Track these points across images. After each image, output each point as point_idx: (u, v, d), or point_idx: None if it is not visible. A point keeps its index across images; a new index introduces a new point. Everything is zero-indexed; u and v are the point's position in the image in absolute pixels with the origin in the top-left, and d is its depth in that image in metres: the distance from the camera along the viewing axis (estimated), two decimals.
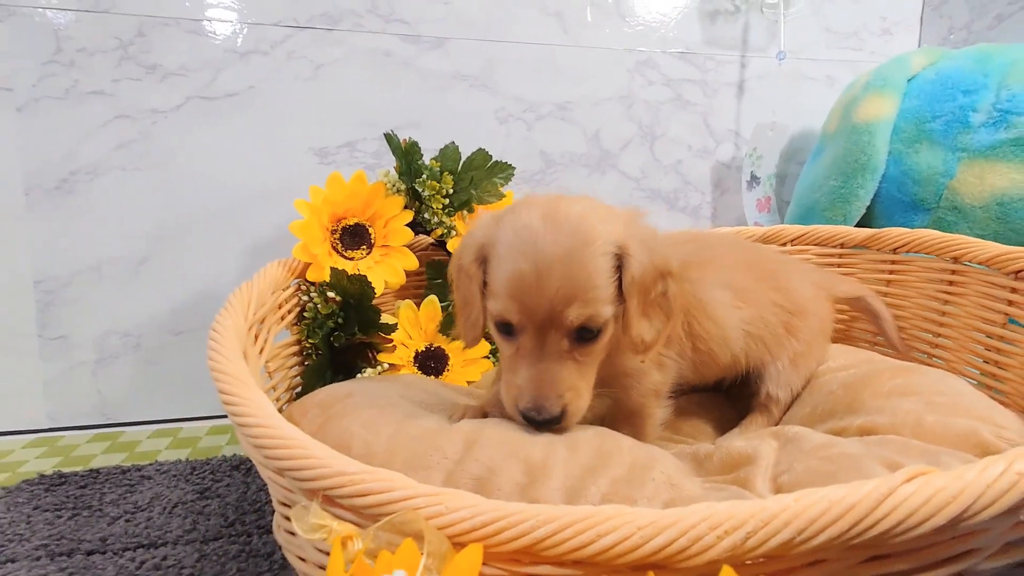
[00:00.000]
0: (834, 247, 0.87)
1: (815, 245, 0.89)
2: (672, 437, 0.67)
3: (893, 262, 0.80)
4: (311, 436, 0.47)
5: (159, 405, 0.92)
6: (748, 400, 0.70)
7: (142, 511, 0.63)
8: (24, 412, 0.87)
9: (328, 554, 0.36)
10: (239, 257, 0.93)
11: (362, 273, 0.78)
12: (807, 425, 0.62)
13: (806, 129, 1.09)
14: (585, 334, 0.47)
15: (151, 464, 0.74)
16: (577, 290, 0.45)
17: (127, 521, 0.61)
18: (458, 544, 0.34)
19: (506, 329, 0.48)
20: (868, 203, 0.91)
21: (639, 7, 1.02)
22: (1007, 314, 0.64)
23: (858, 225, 0.96)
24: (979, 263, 0.68)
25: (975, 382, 0.66)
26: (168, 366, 0.92)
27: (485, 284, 0.50)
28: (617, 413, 0.59)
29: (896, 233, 0.79)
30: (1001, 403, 0.60)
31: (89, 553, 0.55)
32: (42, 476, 0.70)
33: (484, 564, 0.37)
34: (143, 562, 0.53)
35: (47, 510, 0.63)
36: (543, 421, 0.46)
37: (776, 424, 0.67)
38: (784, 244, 0.91)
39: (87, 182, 0.87)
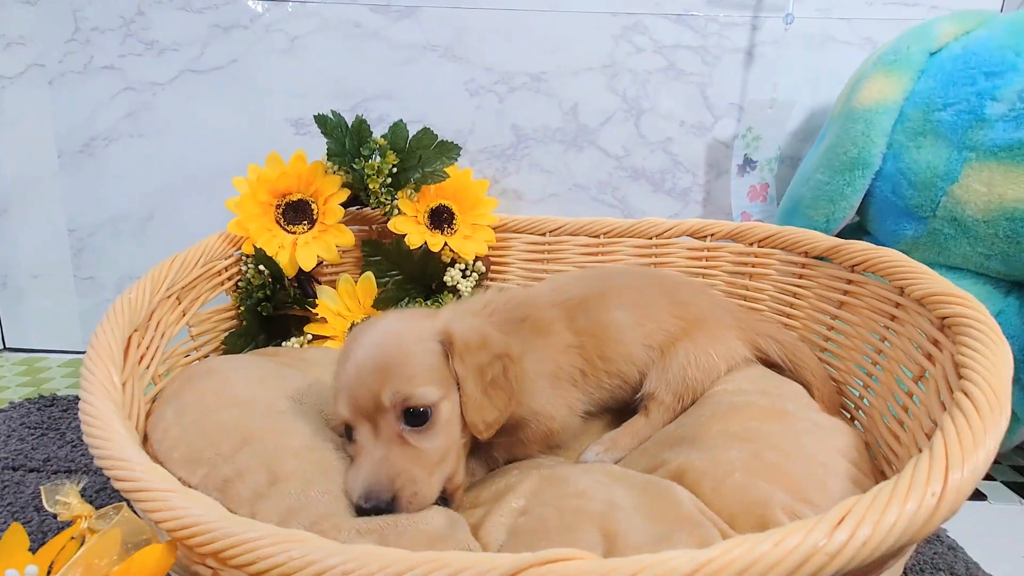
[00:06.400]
0: (799, 254, 0.77)
1: (781, 249, 0.79)
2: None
3: (849, 281, 0.69)
4: (161, 403, 0.55)
5: None
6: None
7: None
8: (65, 337, 1.07)
9: None
10: (227, 217, 1.02)
11: (299, 248, 0.83)
12: (657, 445, 0.59)
13: (830, 105, 0.94)
14: (415, 418, 0.47)
15: None
16: (392, 372, 0.47)
17: (73, 447, 0.74)
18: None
19: (348, 433, 0.49)
20: (856, 204, 0.78)
21: None
22: (924, 368, 0.54)
23: (848, 230, 0.84)
24: (915, 299, 0.57)
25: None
26: None
27: None
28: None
29: (857, 248, 0.68)
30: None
31: (30, 470, 0.69)
32: (41, 397, 0.86)
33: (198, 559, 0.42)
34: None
35: (28, 427, 0.78)
36: (371, 509, 0.43)
37: (656, 428, 0.64)
38: (751, 244, 0.82)
39: (104, 147, 1.00)
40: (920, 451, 0.36)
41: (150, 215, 1.03)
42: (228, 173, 1.01)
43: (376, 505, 0.43)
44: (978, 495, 0.71)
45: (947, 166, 0.69)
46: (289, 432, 0.50)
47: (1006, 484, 0.73)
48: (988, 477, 0.74)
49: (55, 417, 0.82)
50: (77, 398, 0.87)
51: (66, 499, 0.44)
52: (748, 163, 0.92)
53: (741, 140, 0.91)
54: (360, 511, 0.43)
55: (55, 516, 0.61)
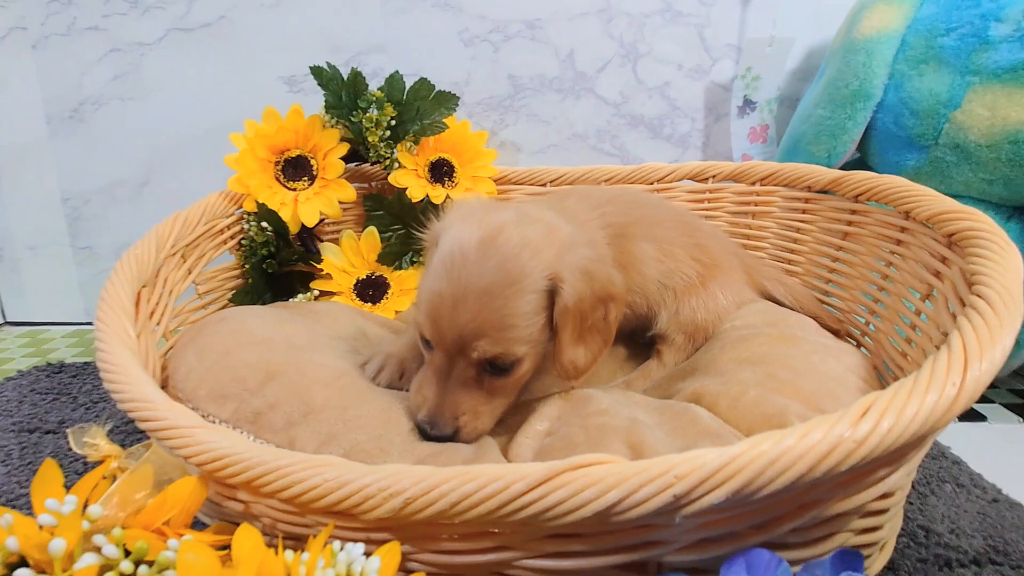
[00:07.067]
0: (801, 190, 0.77)
1: (783, 186, 0.80)
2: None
3: (853, 211, 0.70)
4: (180, 348, 0.55)
5: None
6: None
7: (105, 401, 0.76)
8: (66, 308, 1.06)
9: None
10: (223, 181, 1.01)
11: (301, 205, 0.83)
12: (670, 379, 0.60)
13: (829, 42, 0.93)
14: (496, 367, 0.47)
15: None
16: (489, 326, 0.45)
17: (87, 410, 0.74)
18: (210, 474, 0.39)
19: (424, 340, 0.49)
20: (857, 138, 0.78)
21: None
22: (932, 287, 0.55)
23: (851, 164, 0.84)
24: (922, 220, 0.58)
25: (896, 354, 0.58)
26: None
27: None
28: None
29: (860, 178, 0.68)
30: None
31: (46, 432, 0.69)
32: (49, 364, 0.86)
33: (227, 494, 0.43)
34: None
35: (39, 393, 0.78)
36: (434, 437, 0.47)
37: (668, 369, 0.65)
38: (753, 183, 0.82)
39: (93, 111, 0.98)
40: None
41: (145, 180, 1.01)
42: (222, 134, 0.99)
43: (438, 435, 0.46)
44: (978, 416, 0.72)
45: (950, 92, 0.69)
46: (314, 364, 0.51)
47: (1005, 406, 0.75)
48: (987, 400, 0.76)
49: (64, 383, 0.82)
50: (86, 364, 0.87)
51: (94, 440, 0.45)
52: (748, 104, 0.92)
53: (740, 80, 0.91)
54: (421, 430, 0.47)
55: (78, 471, 0.62)
